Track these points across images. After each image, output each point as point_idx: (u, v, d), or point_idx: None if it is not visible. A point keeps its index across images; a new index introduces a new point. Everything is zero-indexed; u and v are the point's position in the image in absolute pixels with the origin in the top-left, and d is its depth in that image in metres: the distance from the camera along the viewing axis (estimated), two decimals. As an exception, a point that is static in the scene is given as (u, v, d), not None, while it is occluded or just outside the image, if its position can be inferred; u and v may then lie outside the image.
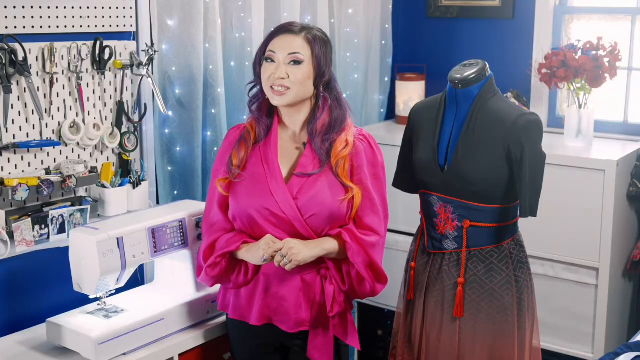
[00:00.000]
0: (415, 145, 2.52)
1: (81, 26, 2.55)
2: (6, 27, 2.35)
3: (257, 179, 2.28)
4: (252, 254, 2.25)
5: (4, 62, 2.31)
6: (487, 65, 2.42)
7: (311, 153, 2.29)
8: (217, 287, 2.53)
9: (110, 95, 2.66)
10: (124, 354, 2.30)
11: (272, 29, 2.32)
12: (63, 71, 2.50)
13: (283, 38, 2.25)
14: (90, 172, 2.55)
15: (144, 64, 2.66)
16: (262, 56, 2.27)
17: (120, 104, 2.67)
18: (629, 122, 3.47)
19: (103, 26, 2.61)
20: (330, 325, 2.30)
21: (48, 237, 2.43)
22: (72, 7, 2.51)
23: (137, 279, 2.72)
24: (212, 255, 2.30)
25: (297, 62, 2.23)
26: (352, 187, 2.26)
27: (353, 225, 2.28)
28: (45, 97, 2.47)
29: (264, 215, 2.25)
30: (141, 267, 2.74)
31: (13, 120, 2.39)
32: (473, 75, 2.38)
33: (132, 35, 2.71)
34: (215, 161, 2.39)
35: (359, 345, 2.38)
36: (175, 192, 2.92)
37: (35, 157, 2.47)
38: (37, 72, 2.43)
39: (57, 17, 2.48)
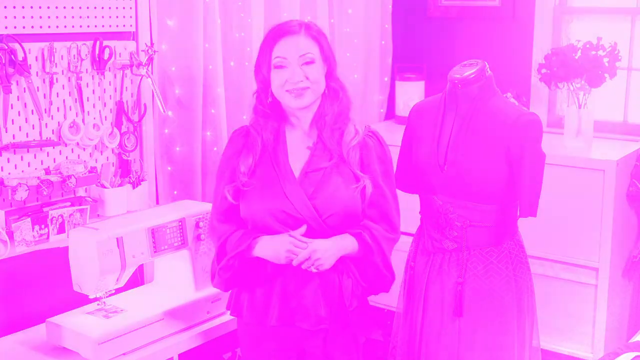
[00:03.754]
0: (415, 145, 2.52)
1: (81, 26, 2.55)
2: (6, 27, 2.35)
3: (269, 182, 2.23)
4: (271, 251, 2.18)
5: (3, 62, 2.31)
6: (487, 65, 2.42)
7: (322, 151, 2.26)
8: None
9: (110, 95, 2.66)
10: (124, 354, 2.30)
11: (268, 32, 2.25)
12: (63, 71, 2.50)
13: (287, 41, 2.19)
14: (90, 172, 2.55)
15: (143, 64, 2.66)
16: (267, 64, 2.20)
17: (120, 104, 2.67)
18: (628, 122, 3.47)
19: (103, 26, 2.60)
20: (349, 320, 2.28)
21: (48, 237, 2.43)
22: (72, 7, 2.51)
23: (137, 279, 2.72)
24: (224, 258, 2.23)
25: (309, 62, 2.19)
26: (363, 176, 2.23)
27: (370, 223, 2.26)
28: (44, 97, 2.46)
29: (280, 219, 2.20)
30: (141, 267, 2.74)
31: (13, 120, 2.39)
32: (473, 75, 2.38)
33: (131, 36, 2.70)
34: (221, 166, 2.32)
35: (380, 335, 2.36)
36: (175, 192, 2.92)
37: (35, 157, 2.46)
38: (37, 72, 2.43)
39: (57, 17, 2.48)
